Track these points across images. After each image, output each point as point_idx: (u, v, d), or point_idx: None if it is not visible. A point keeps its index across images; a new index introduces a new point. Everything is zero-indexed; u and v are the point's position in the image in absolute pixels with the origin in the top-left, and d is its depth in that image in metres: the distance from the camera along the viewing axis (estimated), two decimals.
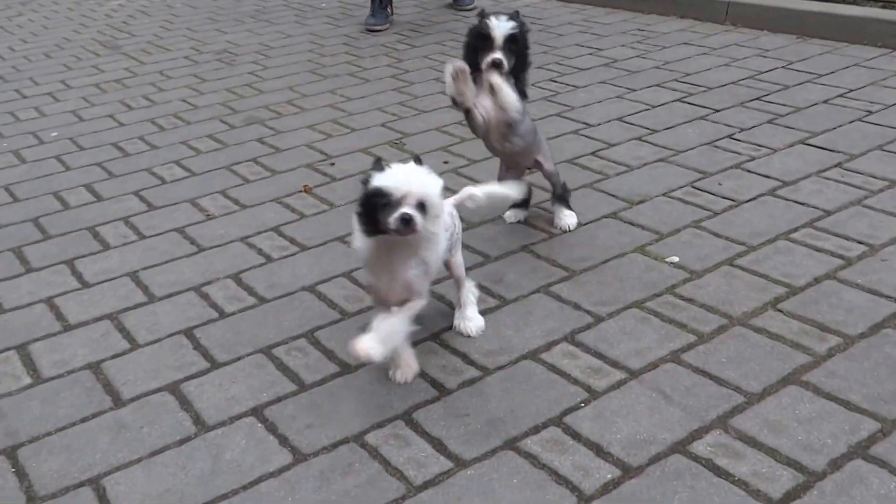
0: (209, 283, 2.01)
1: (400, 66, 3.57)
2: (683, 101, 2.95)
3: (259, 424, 1.54)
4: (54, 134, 3.04)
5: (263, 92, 3.36)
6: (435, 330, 1.77)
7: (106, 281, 2.04)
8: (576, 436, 1.46)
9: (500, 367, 1.65)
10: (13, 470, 1.48)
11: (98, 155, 2.83)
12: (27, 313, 1.94)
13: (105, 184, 2.59)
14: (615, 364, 1.63)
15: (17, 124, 3.18)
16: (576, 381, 1.59)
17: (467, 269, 1.82)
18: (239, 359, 1.73)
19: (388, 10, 4.35)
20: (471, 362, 1.67)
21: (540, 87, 3.20)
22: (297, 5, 4.82)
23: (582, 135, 2.74)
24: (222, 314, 1.88)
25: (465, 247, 2.09)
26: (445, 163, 2.58)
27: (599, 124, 2.81)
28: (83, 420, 1.57)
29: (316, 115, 3.07)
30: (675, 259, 1.97)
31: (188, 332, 1.82)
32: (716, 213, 2.16)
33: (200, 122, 3.08)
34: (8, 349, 1.82)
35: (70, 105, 3.36)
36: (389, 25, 4.27)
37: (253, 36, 4.25)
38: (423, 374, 1.64)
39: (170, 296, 1.96)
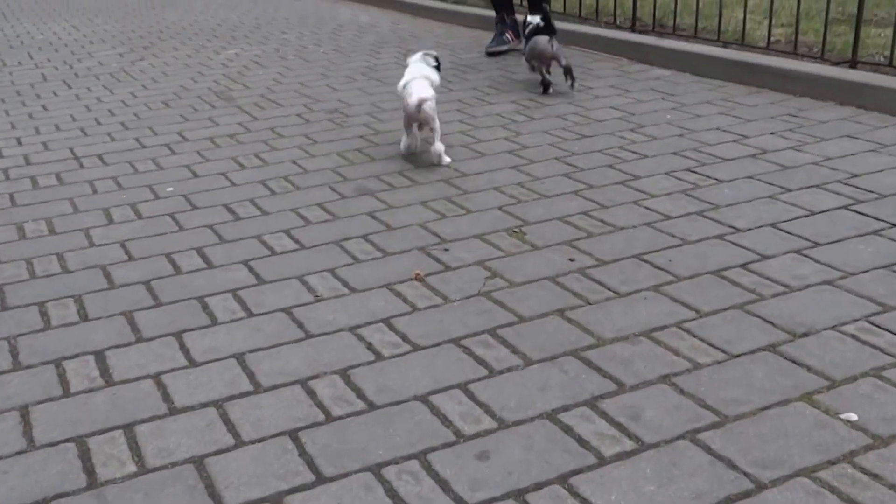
0: (316, 377, 1.85)
1: (518, 141, 3.41)
2: (851, 210, 2.62)
3: None
4: (169, 189, 3.02)
5: (374, 160, 3.25)
6: (563, 471, 1.55)
7: (213, 361, 1.92)
8: None
9: None
10: None
11: (210, 216, 2.76)
12: (135, 389, 1.84)
13: (216, 249, 2.50)
14: None
15: (135, 176, 3.18)
16: None
17: (599, 398, 1.62)
18: (346, 475, 1.55)
19: (508, 35, 4.86)
20: None
21: (676, 177, 2.95)
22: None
23: (729, 241, 2.46)
24: (329, 417, 1.71)
25: (596, 368, 1.88)
26: (571, 260, 2.38)
27: (749, 230, 2.53)
28: None
29: (429, 189, 2.93)
30: (853, 417, 1.67)
31: (293, 434, 1.66)
32: None
33: (311, 187, 2.98)
34: (115, 428, 1.72)
35: (185, 159, 3.35)
36: (507, 50, 4.85)
37: (364, 95, 4.20)
38: None
39: (276, 387, 1.82)
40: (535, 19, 4.06)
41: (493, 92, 4.16)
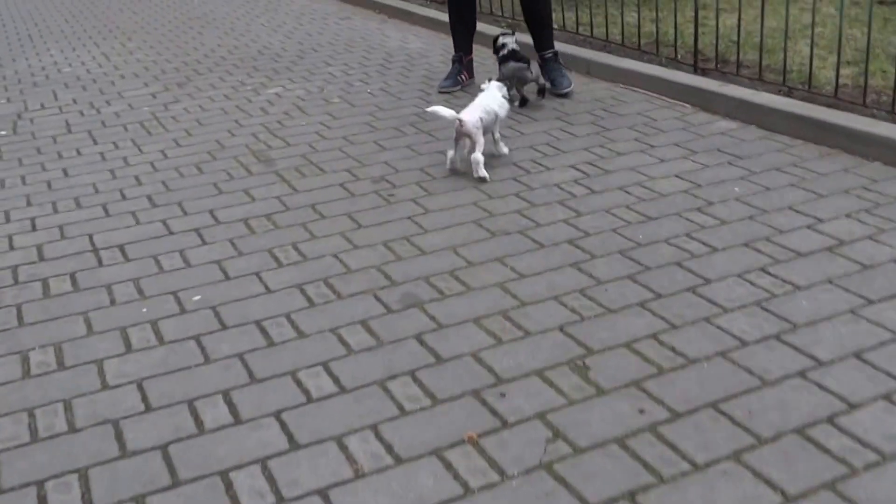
0: None
1: (578, 225, 3.10)
2: None
3: None
4: (196, 298, 2.76)
5: (424, 252, 2.98)
6: None
7: None
8: None
9: None
10: None
11: (240, 340, 2.51)
12: None
13: (244, 393, 2.26)
14: None
15: (159, 277, 2.94)
16: None
17: None
18: None
19: (463, 75, 4.89)
20: None
21: (750, 282, 2.64)
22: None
23: (811, 380, 2.17)
24: None
25: None
26: (641, 412, 2.10)
27: (832, 362, 2.23)
28: None
29: (483, 299, 2.65)
30: None
31: None
32: None
33: (353, 295, 2.72)
34: None
35: (216, 252, 3.10)
36: (460, 89, 4.89)
37: (413, 156, 3.91)
38: None
39: None
40: (508, 41, 4.45)
41: (550, 152, 3.83)
